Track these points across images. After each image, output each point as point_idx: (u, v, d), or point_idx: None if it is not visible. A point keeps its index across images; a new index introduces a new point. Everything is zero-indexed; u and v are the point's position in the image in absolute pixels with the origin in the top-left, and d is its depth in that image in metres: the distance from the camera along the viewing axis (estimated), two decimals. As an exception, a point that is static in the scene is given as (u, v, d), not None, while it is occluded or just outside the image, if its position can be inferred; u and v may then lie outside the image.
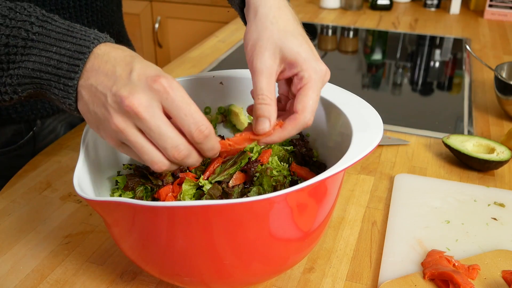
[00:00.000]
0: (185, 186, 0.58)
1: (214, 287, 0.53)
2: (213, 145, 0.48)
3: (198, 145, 0.47)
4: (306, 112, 0.51)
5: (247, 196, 0.56)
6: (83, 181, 0.50)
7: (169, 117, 0.46)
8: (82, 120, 1.00)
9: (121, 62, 0.47)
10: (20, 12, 0.49)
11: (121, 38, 0.97)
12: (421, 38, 1.56)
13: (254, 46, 0.52)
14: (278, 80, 0.55)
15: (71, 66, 0.47)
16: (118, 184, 0.60)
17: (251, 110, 0.56)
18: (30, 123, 0.86)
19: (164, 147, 0.46)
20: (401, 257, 0.62)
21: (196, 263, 0.49)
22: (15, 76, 0.49)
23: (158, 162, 0.47)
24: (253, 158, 0.63)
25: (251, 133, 0.53)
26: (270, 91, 0.51)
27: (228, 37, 1.52)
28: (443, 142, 0.85)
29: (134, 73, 0.46)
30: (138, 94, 0.44)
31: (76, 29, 0.49)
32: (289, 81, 0.56)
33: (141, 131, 0.46)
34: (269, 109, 0.51)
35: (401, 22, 1.70)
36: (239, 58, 1.36)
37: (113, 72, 0.46)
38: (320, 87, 0.52)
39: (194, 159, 0.48)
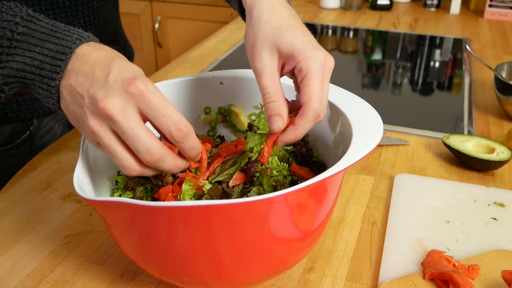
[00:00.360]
0: (185, 186, 0.58)
1: (214, 287, 0.53)
2: (194, 144, 0.48)
3: (179, 144, 0.47)
4: (313, 102, 0.51)
5: (247, 196, 0.56)
6: (83, 181, 0.50)
7: (146, 120, 0.47)
8: None
9: (100, 64, 0.47)
10: (6, 12, 0.49)
11: (118, 37, 0.96)
12: (421, 38, 1.56)
13: (252, 48, 0.53)
14: (282, 76, 0.55)
15: (53, 66, 0.48)
16: (118, 184, 0.60)
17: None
18: (27, 123, 0.86)
19: (137, 150, 0.46)
20: (401, 257, 0.62)
21: (196, 263, 0.49)
22: (0, 75, 0.49)
23: (128, 166, 0.47)
24: (253, 158, 0.63)
25: (270, 138, 0.54)
26: (275, 88, 0.51)
27: (228, 37, 1.52)
28: (443, 142, 0.85)
29: (111, 75, 0.46)
30: (113, 97, 0.44)
31: (59, 29, 0.49)
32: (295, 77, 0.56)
33: (116, 133, 0.46)
34: (278, 105, 0.51)
35: (401, 22, 1.70)
36: (239, 58, 1.36)
37: (92, 74, 0.46)
38: (322, 74, 0.52)
39: (169, 163, 0.48)
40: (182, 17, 2.20)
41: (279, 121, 0.51)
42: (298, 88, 0.54)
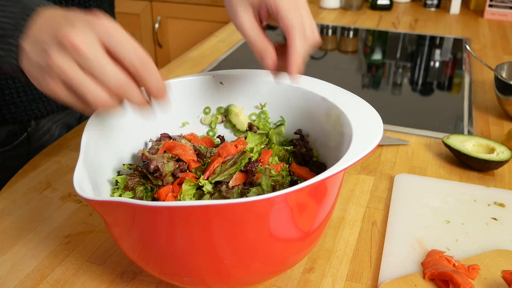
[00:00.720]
0: (185, 186, 0.58)
1: (214, 287, 0.53)
2: (157, 78, 0.48)
3: (142, 77, 0.48)
4: (290, 20, 0.55)
5: (247, 197, 0.56)
6: (83, 181, 0.50)
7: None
8: (78, 121, 1.00)
9: (64, 15, 0.48)
10: None
11: None
12: (421, 38, 1.56)
13: (230, 7, 0.58)
14: (266, 21, 0.59)
15: (15, 26, 0.48)
16: (118, 184, 0.60)
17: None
18: (24, 124, 0.86)
19: (104, 77, 0.46)
20: (401, 257, 0.62)
21: (196, 263, 0.49)
22: None
23: (96, 96, 0.46)
24: (254, 159, 0.63)
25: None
26: (256, 34, 0.57)
27: (228, 37, 1.52)
28: (443, 142, 0.85)
29: (75, 18, 0.47)
30: (78, 31, 0.45)
31: None
32: None
33: (81, 67, 0.46)
34: (261, 44, 0.56)
35: (401, 22, 1.70)
36: (239, 58, 1.36)
37: (57, 22, 0.47)
38: (292, 2, 0.56)
39: (135, 91, 0.48)
40: (182, 17, 2.20)
41: (268, 54, 0.56)
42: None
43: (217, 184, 0.58)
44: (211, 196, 0.57)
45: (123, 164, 0.62)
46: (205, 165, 0.62)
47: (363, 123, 0.55)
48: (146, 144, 0.66)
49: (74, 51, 0.45)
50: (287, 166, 0.63)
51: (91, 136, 0.56)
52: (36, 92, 0.81)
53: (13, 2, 0.49)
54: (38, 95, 0.82)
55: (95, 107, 0.47)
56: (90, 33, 0.45)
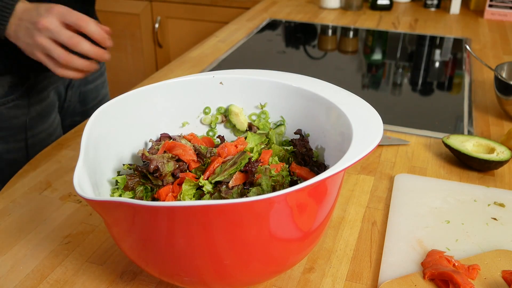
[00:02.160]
0: (185, 186, 0.58)
1: (214, 287, 0.53)
2: (96, 27, 0.79)
3: (86, 30, 0.78)
4: None
5: (247, 197, 0.56)
6: (83, 181, 0.50)
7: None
8: (66, 88, 1.09)
9: (33, 8, 0.79)
10: None
11: None
12: (421, 38, 1.56)
13: None
14: None
15: (3, 11, 0.78)
16: (118, 184, 0.60)
17: None
18: (23, 77, 0.98)
19: (64, 40, 0.77)
20: (401, 257, 0.62)
21: (196, 263, 0.49)
22: None
23: (60, 54, 0.78)
24: (254, 159, 0.63)
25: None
26: None
27: (228, 37, 1.52)
28: (443, 142, 0.85)
29: (42, 9, 0.78)
30: (45, 18, 0.76)
31: None
32: None
33: (51, 40, 0.77)
34: None
35: (401, 22, 1.71)
36: (239, 58, 1.36)
37: (35, 12, 0.78)
38: None
39: (86, 44, 0.78)
40: (182, 17, 2.20)
41: None
42: None
43: (217, 184, 0.58)
44: (211, 196, 0.57)
45: (123, 164, 0.62)
46: (205, 165, 0.62)
47: (363, 123, 0.55)
48: (146, 144, 0.66)
49: (48, 31, 0.77)
50: (287, 166, 0.63)
51: (91, 136, 0.56)
52: None
53: None
54: None
55: (63, 63, 0.79)
56: (52, 17, 0.76)
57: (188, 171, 0.61)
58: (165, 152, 0.62)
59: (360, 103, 0.60)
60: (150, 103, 0.66)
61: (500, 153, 0.81)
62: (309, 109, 0.65)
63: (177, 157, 0.61)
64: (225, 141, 0.69)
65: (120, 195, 0.59)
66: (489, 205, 0.72)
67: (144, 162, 0.62)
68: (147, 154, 0.60)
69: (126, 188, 0.59)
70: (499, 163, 0.79)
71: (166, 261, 0.50)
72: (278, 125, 0.69)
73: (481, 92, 1.14)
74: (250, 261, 0.50)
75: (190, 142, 0.65)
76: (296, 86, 0.65)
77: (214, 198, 0.56)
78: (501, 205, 0.72)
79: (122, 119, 0.62)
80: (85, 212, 0.71)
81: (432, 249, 0.63)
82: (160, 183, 0.59)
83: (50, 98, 1.05)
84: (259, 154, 0.64)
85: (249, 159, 0.60)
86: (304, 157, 0.64)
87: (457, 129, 0.98)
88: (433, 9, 1.85)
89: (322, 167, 0.63)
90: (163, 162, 0.59)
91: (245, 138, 0.67)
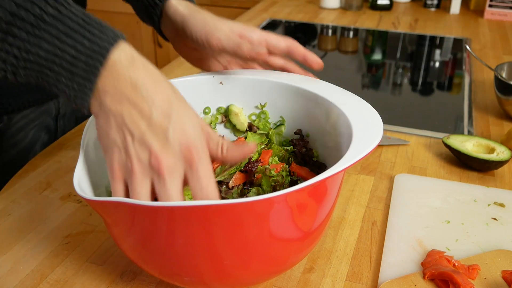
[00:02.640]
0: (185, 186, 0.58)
1: (214, 287, 0.53)
2: None
3: None
4: (278, 38, 0.66)
5: (247, 197, 0.56)
6: (83, 181, 0.50)
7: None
8: (55, 120, 0.94)
9: (158, 105, 0.45)
10: None
11: None
12: (421, 38, 1.56)
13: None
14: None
15: (89, 66, 0.44)
16: None
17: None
18: None
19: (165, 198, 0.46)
20: (401, 257, 0.62)
21: (196, 263, 0.49)
22: (20, 58, 0.44)
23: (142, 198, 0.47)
24: (254, 159, 0.63)
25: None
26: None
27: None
28: (443, 142, 0.85)
29: (171, 131, 0.45)
30: (168, 155, 0.45)
31: (91, 20, 0.45)
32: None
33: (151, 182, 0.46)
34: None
35: (401, 22, 1.70)
36: (239, 58, 1.36)
37: (149, 114, 0.45)
38: None
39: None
40: (182, 17, 2.19)
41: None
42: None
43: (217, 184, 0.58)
44: None
45: None
46: None
47: (363, 123, 0.55)
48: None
49: (156, 174, 0.45)
50: (287, 166, 0.63)
51: (91, 136, 0.56)
52: (5, 86, 0.78)
53: (80, 26, 0.44)
54: (8, 90, 0.79)
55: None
56: (178, 161, 0.45)
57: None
58: None
59: (360, 103, 0.60)
60: None
61: (500, 153, 0.81)
62: (309, 109, 0.65)
63: None
64: (225, 141, 0.69)
65: None
66: (489, 205, 0.72)
67: None
68: None
69: None
70: (499, 163, 0.79)
71: (166, 261, 0.50)
72: (278, 125, 0.69)
73: (481, 92, 1.14)
74: (250, 261, 0.50)
75: None
76: (296, 86, 0.65)
77: None
78: (501, 205, 0.72)
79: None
80: (85, 212, 0.71)
81: (432, 249, 0.63)
82: None
83: (28, 138, 0.88)
84: (259, 154, 0.64)
85: (249, 159, 0.60)
86: (304, 157, 0.64)
87: (457, 129, 0.98)
88: (433, 9, 1.85)
89: (322, 167, 0.63)
90: None
91: (245, 138, 0.67)
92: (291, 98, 0.66)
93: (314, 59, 0.66)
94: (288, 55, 0.67)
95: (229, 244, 0.47)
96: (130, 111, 0.45)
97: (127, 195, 0.47)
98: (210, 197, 0.46)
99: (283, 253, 0.52)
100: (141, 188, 0.46)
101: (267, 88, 0.68)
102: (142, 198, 0.46)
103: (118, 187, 0.47)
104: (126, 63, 0.45)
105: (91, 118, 0.57)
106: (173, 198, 0.45)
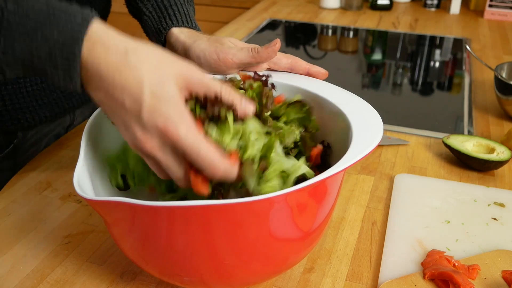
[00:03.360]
0: None
1: (214, 287, 0.53)
2: (230, 175, 0.48)
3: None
4: (281, 58, 0.68)
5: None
6: (83, 181, 0.50)
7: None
8: (66, 130, 0.94)
9: (128, 90, 0.44)
10: None
11: None
12: (421, 38, 1.56)
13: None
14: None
15: (66, 60, 0.44)
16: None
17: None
18: (10, 136, 0.80)
19: (172, 176, 0.48)
20: (401, 257, 0.62)
21: (196, 262, 0.49)
22: (2, 58, 0.44)
23: (177, 175, 0.48)
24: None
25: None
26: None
27: (228, 37, 1.52)
28: (443, 142, 0.85)
29: (144, 116, 0.44)
30: (151, 138, 0.45)
31: (56, 8, 0.44)
32: None
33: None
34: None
35: (401, 22, 1.70)
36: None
37: (121, 102, 0.45)
38: None
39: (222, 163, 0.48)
40: (182, 17, 2.20)
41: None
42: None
43: (217, 186, 0.58)
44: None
45: None
46: None
47: (363, 123, 0.55)
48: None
49: (149, 155, 0.46)
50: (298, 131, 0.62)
51: (91, 136, 0.56)
52: (23, 101, 0.76)
53: (45, 17, 0.43)
54: (25, 104, 0.76)
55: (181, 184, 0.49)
56: (162, 141, 0.45)
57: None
58: None
59: (360, 103, 0.60)
60: None
61: (500, 153, 0.81)
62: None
63: None
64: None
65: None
66: (489, 205, 0.72)
67: None
68: None
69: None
70: (499, 163, 0.79)
71: (166, 261, 0.50)
72: None
73: (481, 92, 1.14)
74: (250, 261, 0.50)
75: None
76: (296, 85, 0.65)
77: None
78: (501, 205, 0.72)
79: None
80: (85, 212, 0.71)
81: (432, 249, 0.63)
82: None
83: (40, 150, 0.88)
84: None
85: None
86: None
87: (457, 129, 0.98)
88: (433, 9, 1.85)
89: (322, 167, 0.63)
90: None
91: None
92: (290, 98, 0.66)
93: (318, 70, 0.67)
94: (291, 72, 0.68)
95: (228, 244, 0.47)
96: (107, 101, 0.45)
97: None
98: (210, 161, 0.45)
99: (283, 253, 0.52)
100: (155, 167, 0.48)
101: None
102: (172, 169, 0.47)
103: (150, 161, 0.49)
104: (97, 52, 0.44)
105: (91, 118, 0.57)
106: (174, 171, 0.47)
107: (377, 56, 1.46)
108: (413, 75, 1.31)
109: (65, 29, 0.43)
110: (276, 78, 0.67)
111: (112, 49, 0.45)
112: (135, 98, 0.44)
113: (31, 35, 0.43)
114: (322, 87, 0.64)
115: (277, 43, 0.64)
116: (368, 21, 1.71)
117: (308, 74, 0.67)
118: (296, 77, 0.67)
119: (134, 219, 0.47)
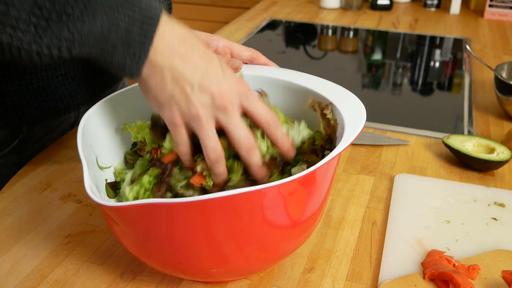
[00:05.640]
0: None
1: (213, 275, 0.54)
2: (282, 133, 0.55)
3: (271, 132, 0.54)
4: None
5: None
6: (94, 187, 0.50)
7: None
8: (72, 126, 0.94)
9: (203, 56, 0.51)
10: None
11: None
12: (421, 38, 1.56)
13: None
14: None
15: (141, 36, 0.48)
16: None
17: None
18: (15, 130, 0.80)
19: (234, 138, 0.52)
20: (401, 257, 0.62)
21: (196, 251, 0.50)
22: (76, 33, 0.46)
23: (216, 150, 0.51)
24: None
25: None
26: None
27: (228, 37, 1.52)
28: (443, 142, 0.85)
29: (224, 74, 0.51)
30: (228, 92, 0.50)
31: None
32: None
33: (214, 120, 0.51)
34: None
35: (401, 22, 1.71)
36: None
37: (200, 65, 0.50)
38: None
39: (257, 154, 0.53)
40: (182, 17, 2.20)
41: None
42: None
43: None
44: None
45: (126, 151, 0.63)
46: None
47: (347, 112, 0.56)
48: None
49: (222, 111, 0.50)
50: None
51: (86, 138, 0.56)
52: (29, 97, 0.75)
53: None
54: (31, 100, 0.76)
55: (212, 160, 0.52)
56: (236, 95, 0.51)
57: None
58: None
59: (344, 93, 0.61)
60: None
61: (500, 153, 0.81)
62: (292, 101, 0.66)
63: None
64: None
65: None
66: (489, 205, 0.72)
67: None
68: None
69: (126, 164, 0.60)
70: (499, 163, 0.79)
71: (168, 253, 0.51)
72: None
73: (481, 92, 1.14)
74: (246, 247, 0.51)
75: None
76: (283, 79, 0.66)
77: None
78: (501, 205, 0.72)
79: (117, 118, 0.62)
80: (85, 212, 0.71)
81: (432, 249, 0.63)
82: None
83: (49, 143, 0.89)
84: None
85: None
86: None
87: (457, 129, 0.98)
88: (433, 9, 1.85)
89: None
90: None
91: None
92: (279, 92, 0.67)
93: (275, 66, 0.71)
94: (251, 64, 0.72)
95: (226, 232, 0.48)
96: (183, 64, 0.49)
97: (190, 138, 0.52)
98: (284, 133, 0.54)
99: (275, 239, 0.53)
100: (209, 130, 0.50)
101: (264, 84, 0.68)
102: (212, 139, 0.50)
103: (182, 132, 0.51)
104: (170, 24, 0.49)
105: (81, 124, 0.56)
106: (240, 126, 0.51)
107: (377, 56, 1.46)
108: (413, 75, 1.31)
109: (146, 8, 0.48)
110: (263, 73, 0.68)
111: (182, 27, 0.51)
112: (210, 58, 0.51)
113: (115, 10, 0.46)
114: (304, 78, 0.66)
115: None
116: (368, 21, 1.71)
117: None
118: (285, 72, 0.68)
119: (156, 220, 0.47)
